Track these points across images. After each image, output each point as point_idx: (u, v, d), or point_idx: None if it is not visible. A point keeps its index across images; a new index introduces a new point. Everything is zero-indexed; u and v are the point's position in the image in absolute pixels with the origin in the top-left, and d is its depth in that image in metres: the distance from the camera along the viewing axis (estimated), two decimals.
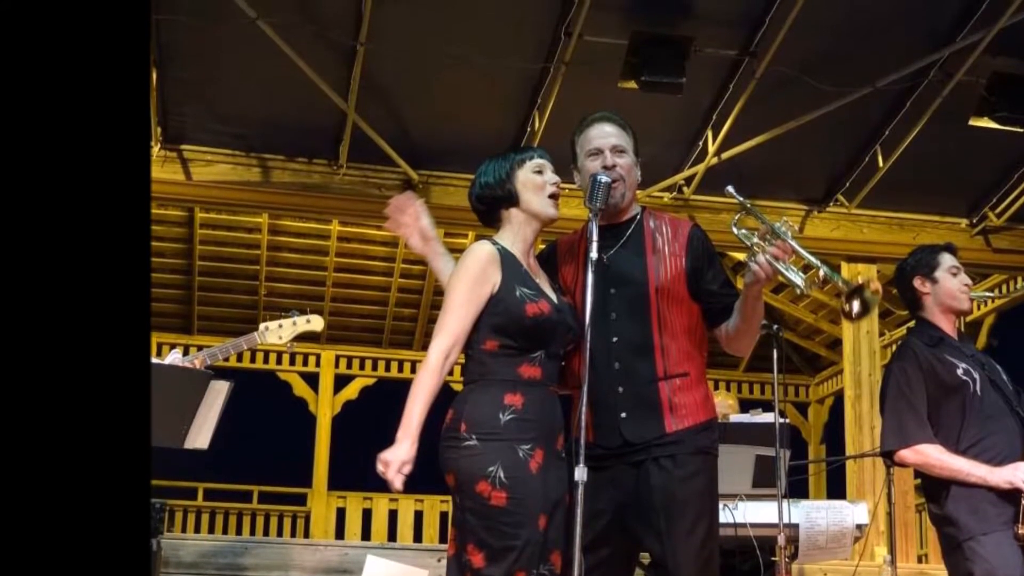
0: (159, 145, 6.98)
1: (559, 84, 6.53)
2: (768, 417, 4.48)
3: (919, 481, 3.93)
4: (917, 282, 3.66)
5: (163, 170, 7.00)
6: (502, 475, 2.70)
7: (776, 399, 4.26)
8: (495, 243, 2.97)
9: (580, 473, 2.66)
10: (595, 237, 2.84)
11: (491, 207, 3.03)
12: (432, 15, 6.26)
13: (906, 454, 3.49)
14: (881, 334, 8.66)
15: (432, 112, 7.00)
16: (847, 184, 7.59)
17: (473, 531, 2.72)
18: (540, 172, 3.02)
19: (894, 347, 5.94)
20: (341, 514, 10.59)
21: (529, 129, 6.90)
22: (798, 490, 4.77)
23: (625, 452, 2.92)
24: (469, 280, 2.88)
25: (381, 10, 6.07)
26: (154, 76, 6.43)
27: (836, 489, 8.30)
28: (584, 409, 2.71)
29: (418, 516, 10.64)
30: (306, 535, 10.38)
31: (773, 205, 7.39)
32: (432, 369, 2.80)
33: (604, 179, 2.94)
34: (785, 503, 4.18)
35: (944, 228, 7.90)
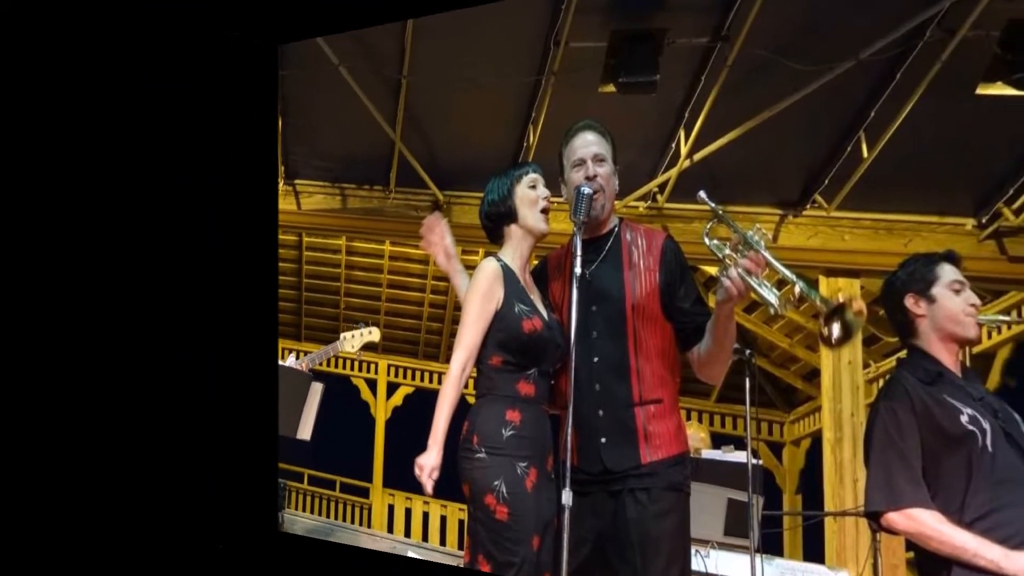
0: (282, 181, 7.68)
1: (549, 95, 6.26)
2: (741, 456, 4.15)
3: (912, 554, 3.03)
4: (909, 301, 2.99)
5: (283, 202, 7.72)
6: (504, 490, 2.80)
7: (748, 435, 3.84)
8: (499, 259, 3.04)
9: (566, 497, 2.67)
10: (579, 252, 2.82)
11: (496, 224, 3.11)
12: (450, 42, 6.21)
13: (896, 518, 2.83)
14: (866, 365, 6.78)
15: (451, 134, 7.12)
16: (826, 181, 5.97)
17: (482, 542, 2.82)
18: (534, 187, 3.06)
19: (881, 382, 5.22)
20: (391, 510, 11.18)
21: (524, 144, 6.77)
22: (772, 544, 4.41)
23: (605, 479, 2.92)
24: (479, 296, 2.97)
25: (418, 43, 6.23)
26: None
27: (814, 548, 6.32)
28: (570, 431, 2.73)
29: (443, 521, 11.11)
30: (368, 525, 10.96)
31: (746, 211, 6.40)
32: (452, 381, 2.92)
33: (587, 191, 2.93)
34: (758, 559, 3.82)
35: (944, 231, 5.85)
